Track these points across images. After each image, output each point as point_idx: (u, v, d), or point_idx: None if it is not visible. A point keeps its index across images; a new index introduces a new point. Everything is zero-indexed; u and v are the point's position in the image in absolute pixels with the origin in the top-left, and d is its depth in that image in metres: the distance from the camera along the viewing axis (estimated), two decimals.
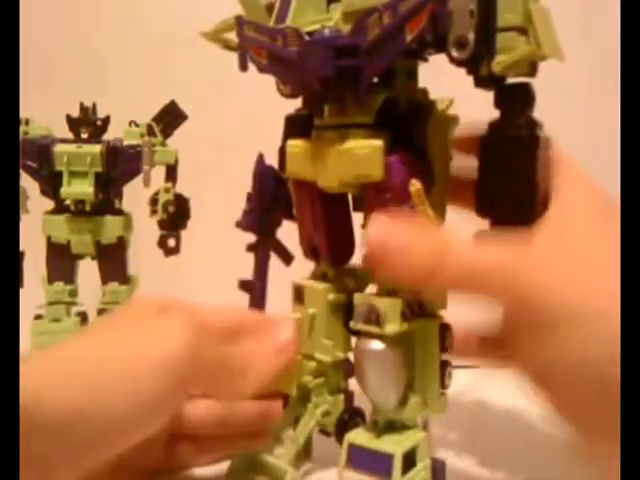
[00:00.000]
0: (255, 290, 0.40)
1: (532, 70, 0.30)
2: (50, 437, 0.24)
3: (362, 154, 0.30)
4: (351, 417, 0.37)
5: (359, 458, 0.31)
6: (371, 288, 0.33)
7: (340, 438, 0.37)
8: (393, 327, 0.30)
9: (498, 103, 0.31)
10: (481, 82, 0.31)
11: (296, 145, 0.33)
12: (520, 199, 0.30)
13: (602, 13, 0.61)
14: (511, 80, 0.30)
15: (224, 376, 0.31)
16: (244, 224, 0.39)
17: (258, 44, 0.32)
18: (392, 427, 0.32)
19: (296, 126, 0.36)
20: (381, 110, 0.31)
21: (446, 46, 0.30)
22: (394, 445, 0.30)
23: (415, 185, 0.30)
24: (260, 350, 0.33)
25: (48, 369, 0.26)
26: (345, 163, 0.31)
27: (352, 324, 0.32)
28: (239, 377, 0.32)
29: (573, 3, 0.63)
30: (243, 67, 0.34)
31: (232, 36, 0.37)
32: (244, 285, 0.40)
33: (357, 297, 0.32)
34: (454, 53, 0.30)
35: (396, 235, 0.28)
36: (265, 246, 0.40)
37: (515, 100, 0.30)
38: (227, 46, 0.38)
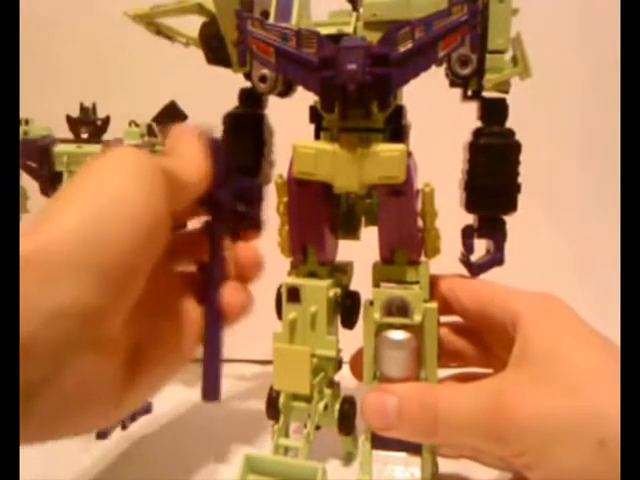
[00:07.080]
0: None
1: (509, 87, 0.35)
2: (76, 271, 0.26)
3: (389, 157, 0.31)
4: (350, 406, 0.38)
5: (386, 440, 0.32)
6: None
7: (345, 428, 0.37)
8: (420, 316, 0.33)
9: (482, 114, 0.35)
10: (467, 96, 0.35)
11: (309, 146, 0.33)
12: (506, 195, 0.34)
13: (601, 15, 0.61)
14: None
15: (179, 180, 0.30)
16: None
17: (265, 42, 0.32)
18: None
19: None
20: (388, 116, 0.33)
21: (448, 63, 0.33)
22: None
23: (429, 186, 0.33)
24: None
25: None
26: (370, 165, 0.31)
27: (376, 317, 0.33)
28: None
29: (572, 6, 0.63)
30: (242, 63, 0.34)
31: (169, 22, 0.37)
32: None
33: (376, 292, 0.34)
34: (458, 70, 0.33)
35: (391, 403, 0.30)
36: None
37: (496, 112, 0.35)
38: (159, 32, 0.38)
